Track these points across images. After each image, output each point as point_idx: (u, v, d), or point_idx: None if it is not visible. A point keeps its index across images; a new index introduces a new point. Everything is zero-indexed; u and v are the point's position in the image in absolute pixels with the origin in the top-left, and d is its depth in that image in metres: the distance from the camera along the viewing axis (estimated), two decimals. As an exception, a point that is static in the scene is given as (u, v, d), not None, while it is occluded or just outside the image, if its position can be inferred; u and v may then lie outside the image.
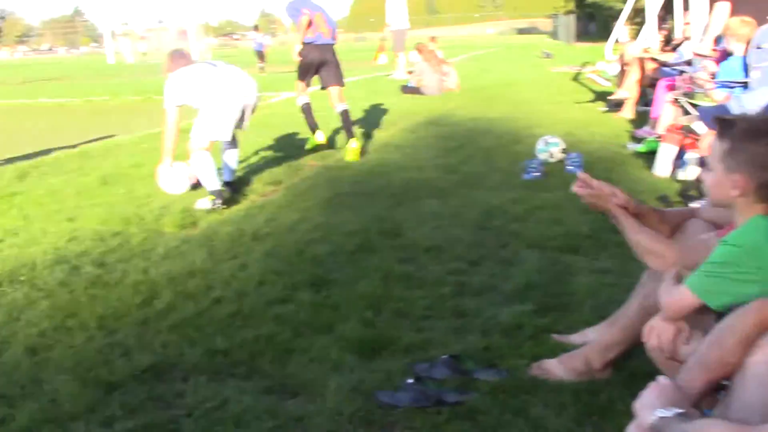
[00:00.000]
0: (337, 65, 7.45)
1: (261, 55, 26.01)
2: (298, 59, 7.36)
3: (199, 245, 4.27)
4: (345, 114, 7.35)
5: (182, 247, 4.25)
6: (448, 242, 4.18)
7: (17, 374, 2.75)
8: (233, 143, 5.79)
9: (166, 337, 3.03)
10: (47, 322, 3.21)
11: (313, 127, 7.44)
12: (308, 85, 7.58)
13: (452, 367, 2.65)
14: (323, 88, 7.64)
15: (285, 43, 45.68)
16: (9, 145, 9.10)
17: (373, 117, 9.95)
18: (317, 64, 7.35)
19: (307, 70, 7.43)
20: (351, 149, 7.02)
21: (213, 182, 5.22)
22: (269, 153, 7.41)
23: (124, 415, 2.45)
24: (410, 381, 2.55)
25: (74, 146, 8.62)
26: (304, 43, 7.22)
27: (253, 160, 7.04)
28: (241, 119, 5.54)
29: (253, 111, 5.65)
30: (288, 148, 7.62)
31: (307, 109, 7.44)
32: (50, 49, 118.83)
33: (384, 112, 10.57)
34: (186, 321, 3.17)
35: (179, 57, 5.53)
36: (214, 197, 5.17)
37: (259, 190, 5.76)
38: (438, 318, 3.16)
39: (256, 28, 29.94)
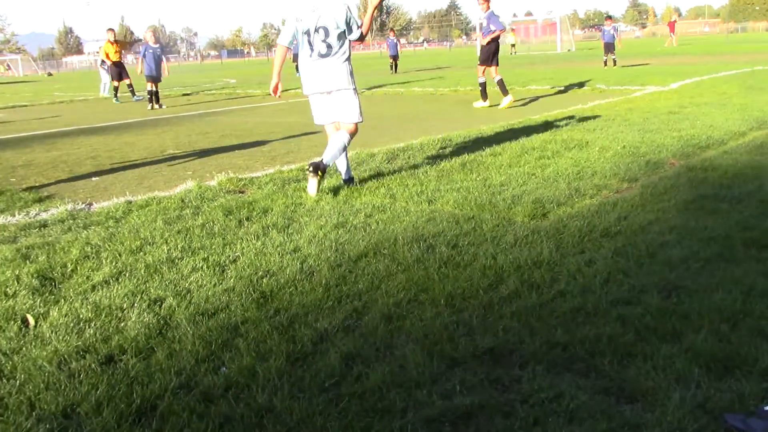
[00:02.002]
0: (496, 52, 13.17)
1: (609, 47, 24.18)
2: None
3: (548, 236, 4.30)
4: (500, 81, 13.17)
5: (531, 237, 4.31)
6: (828, 260, 3.68)
7: (373, 338, 3.03)
8: None
9: (507, 322, 3.10)
10: (402, 294, 3.49)
11: (505, 93, 13.09)
12: (489, 65, 13.13)
13: (821, 402, 2.33)
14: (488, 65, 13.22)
15: (655, 34, 43.46)
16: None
17: (743, 114, 9.09)
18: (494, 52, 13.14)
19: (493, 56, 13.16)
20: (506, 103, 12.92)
21: None
22: (627, 148, 7.15)
23: (463, 391, 2.56)
24: (767, 408, 2.30)
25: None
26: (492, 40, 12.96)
27: (610, 154, 6.86)
28: None
29: None
30: (648, 144, 7.29)
31: (500, 82, 13.20)
32: (424, 41, 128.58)
33: (758, 109, 9.59)
34: (528, 310, 3.22)
35: None
36: None
37: (613, 186, 5.60)
38: (808, 344, 2.80)
39: (609, 18, 27.02)
